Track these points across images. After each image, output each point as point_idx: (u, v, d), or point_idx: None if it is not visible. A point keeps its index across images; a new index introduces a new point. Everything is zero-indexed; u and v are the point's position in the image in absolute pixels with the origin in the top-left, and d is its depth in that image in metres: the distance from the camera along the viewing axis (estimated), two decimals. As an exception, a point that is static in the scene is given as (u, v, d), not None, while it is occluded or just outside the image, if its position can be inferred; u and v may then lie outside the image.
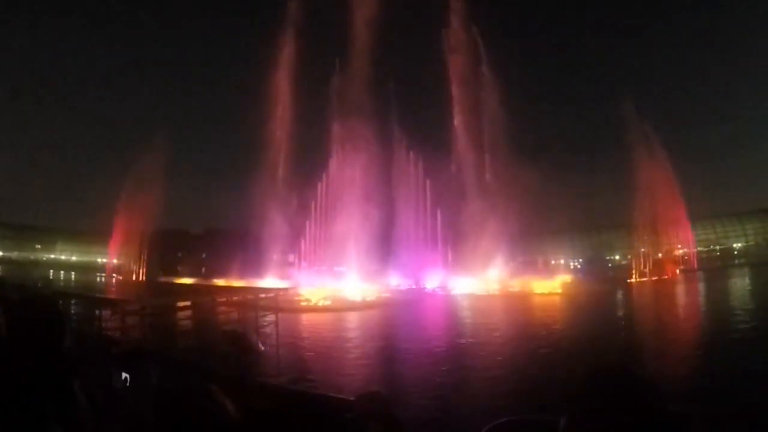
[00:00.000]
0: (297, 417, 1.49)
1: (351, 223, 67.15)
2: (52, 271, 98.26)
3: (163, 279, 77.06)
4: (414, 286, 67.22)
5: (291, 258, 68.40)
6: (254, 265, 69.82)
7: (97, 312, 22.52)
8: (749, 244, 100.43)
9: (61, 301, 22.48)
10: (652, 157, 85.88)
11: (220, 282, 66.86)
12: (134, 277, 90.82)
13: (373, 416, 3.57)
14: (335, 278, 62.43)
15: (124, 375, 4.14)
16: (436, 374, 20.16)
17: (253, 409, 1.55)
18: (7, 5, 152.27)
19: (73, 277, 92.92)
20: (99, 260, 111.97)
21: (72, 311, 23.97)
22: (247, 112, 78.26)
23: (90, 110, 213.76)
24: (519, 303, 51.02)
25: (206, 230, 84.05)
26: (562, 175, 75.72)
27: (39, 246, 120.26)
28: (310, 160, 77.09)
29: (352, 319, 41.36)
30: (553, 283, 65.06)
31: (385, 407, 3.78)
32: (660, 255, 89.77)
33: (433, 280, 69.01)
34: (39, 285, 43.22)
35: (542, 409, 3.61)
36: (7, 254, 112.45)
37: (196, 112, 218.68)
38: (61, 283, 74.84)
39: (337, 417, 1.53)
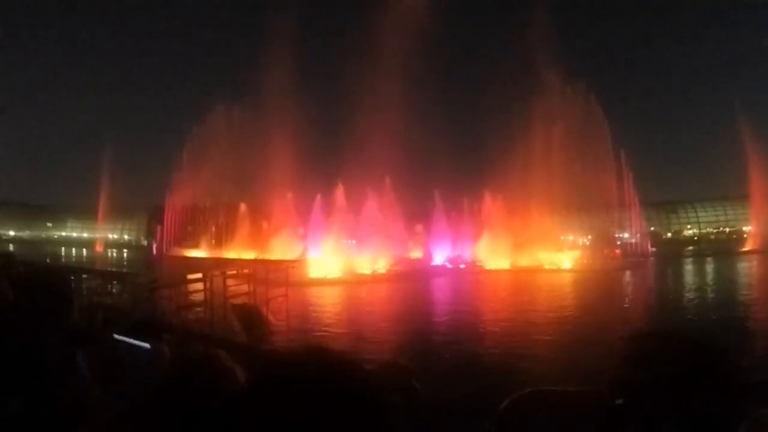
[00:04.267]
0: (312, 380, 1.35)
1: (363, 194, 67.40)
2: (63, 248, 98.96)
3: (173, 253, 77.32)
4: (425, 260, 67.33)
5: (300, 231, 68.34)
6: (264, 238, 69.90)
7: (108, 286, 22.62)
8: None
9: (72, 277, 22.53)
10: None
11: (229, 255, 67.09)
12: (145, 252, 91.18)
13: (394, 386, 3.44)
14: (346, 251, 62.44)
15: (133, 344, 4.05)
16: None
17: (263, 373, 1.38)
18: None
19: (84, 253, 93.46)
20: (110, 236, 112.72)
21: (83, 286, 24.03)
22: (257, 82, 77.34)
23: (98, 86, 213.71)
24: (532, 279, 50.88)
25: (215, 204, 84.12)
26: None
27: (50, 224, 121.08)
28: (323, 129, 75.95)
29: (361, 293, 41.44)
30: (562, 259, 65.06)
31: (407, 378, 3.67)
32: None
33: (442, 254, 69.02)
34: (48, 261, 43.46)
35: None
36: (19, 233, 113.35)
37: (205, 82, 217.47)
38: (73, 259, 75.34)
39: (356, 384, 1.39)
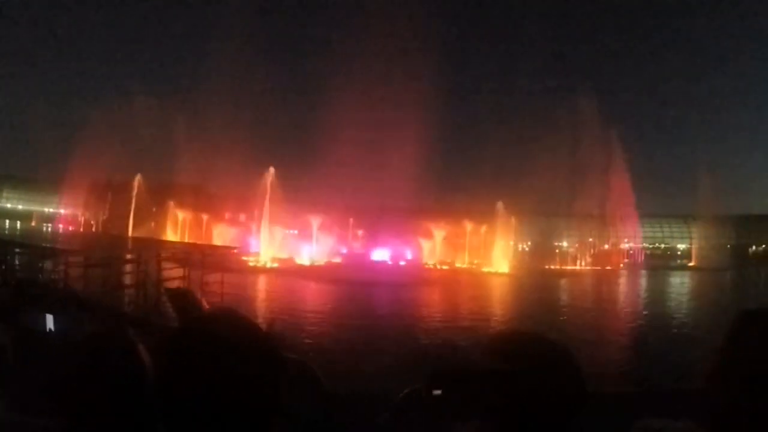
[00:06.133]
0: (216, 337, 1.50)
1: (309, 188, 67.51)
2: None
3: (111, 231, 75.75)
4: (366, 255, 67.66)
5: (242, 217, 67.80)
6: (204, 222, 69.11)
7: (40, 262, 22.24)
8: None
9: (3, 250, 22.12)
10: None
11: (168, 237, 66.11)
12: (82, 229, 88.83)
13: (295, 369, 3.66)
14: (287, 241, 62.46)
15: (55, 320, 4.20)
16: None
17: (171, 356, 1.55)
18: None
19: (18, 225, 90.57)
20: (46, 210, 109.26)
21: (15, 260, 23.58)
22: (211, 62, 76.28)
23: (50, 53, 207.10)
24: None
25: (158, 184, 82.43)
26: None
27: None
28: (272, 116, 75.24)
29: (297, 282, 41.43)
30: (500, 263, 65.97)
31: (308, 363, 3.91)
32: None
33: (386, 251, 69.44)
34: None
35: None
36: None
37: (155, 59, 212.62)
38: (6, 232, 73.06)
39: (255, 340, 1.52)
